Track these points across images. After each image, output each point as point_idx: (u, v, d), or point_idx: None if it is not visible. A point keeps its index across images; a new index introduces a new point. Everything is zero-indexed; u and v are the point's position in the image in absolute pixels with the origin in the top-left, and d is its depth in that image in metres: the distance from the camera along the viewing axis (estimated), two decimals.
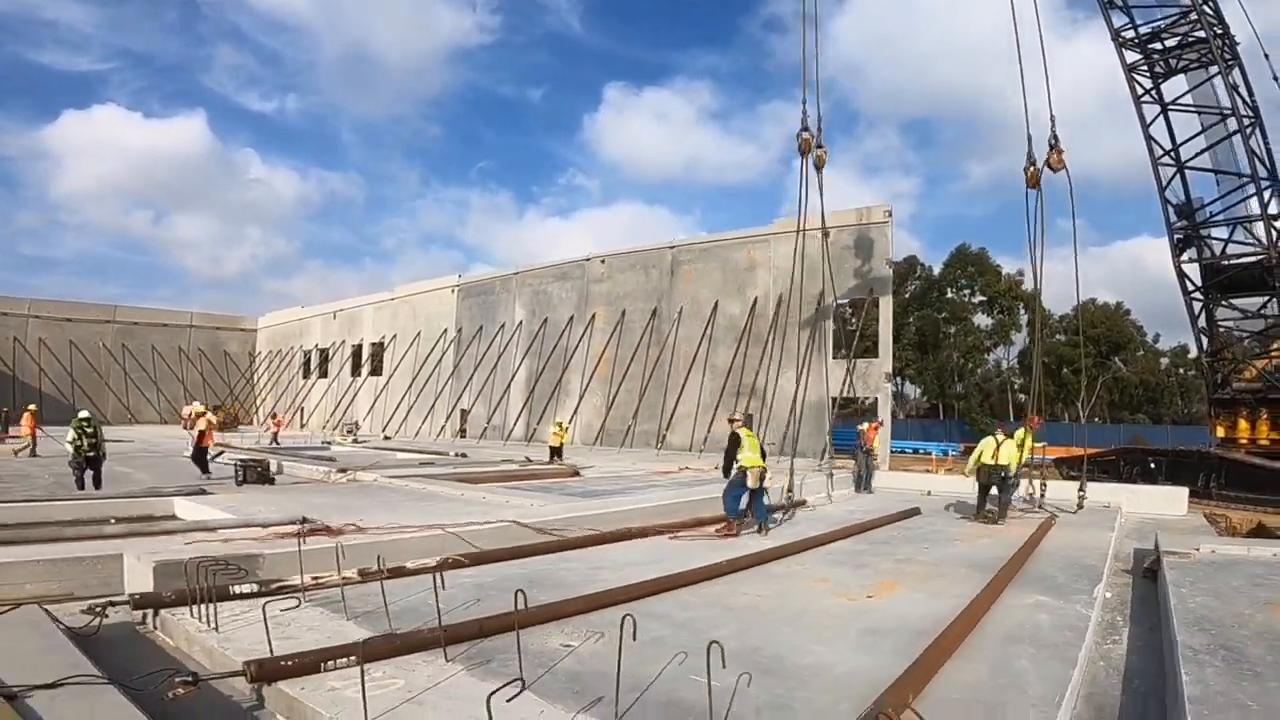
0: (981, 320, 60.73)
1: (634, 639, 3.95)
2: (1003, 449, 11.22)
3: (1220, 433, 22.12)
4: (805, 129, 13.31)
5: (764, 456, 10.20)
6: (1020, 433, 11.81)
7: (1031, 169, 14.30)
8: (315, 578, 6.28)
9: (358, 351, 48.92)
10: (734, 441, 10.03)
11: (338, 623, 5.27)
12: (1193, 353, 65.71)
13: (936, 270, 62.98)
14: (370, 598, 5.84)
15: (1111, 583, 7.91)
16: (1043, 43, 12.84)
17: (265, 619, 4.60)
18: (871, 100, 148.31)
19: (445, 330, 42.13)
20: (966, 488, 13.92)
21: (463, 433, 38.98)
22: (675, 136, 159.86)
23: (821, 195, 13.47)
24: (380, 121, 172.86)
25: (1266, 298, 21.23)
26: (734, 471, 9.91)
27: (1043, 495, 12.56)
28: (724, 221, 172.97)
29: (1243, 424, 22.16)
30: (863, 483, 16.34)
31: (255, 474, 14.44)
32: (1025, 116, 12.97)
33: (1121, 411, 58.40)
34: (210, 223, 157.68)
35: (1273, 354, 21.25)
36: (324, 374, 50.97)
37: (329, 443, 30.08)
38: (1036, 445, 13.14)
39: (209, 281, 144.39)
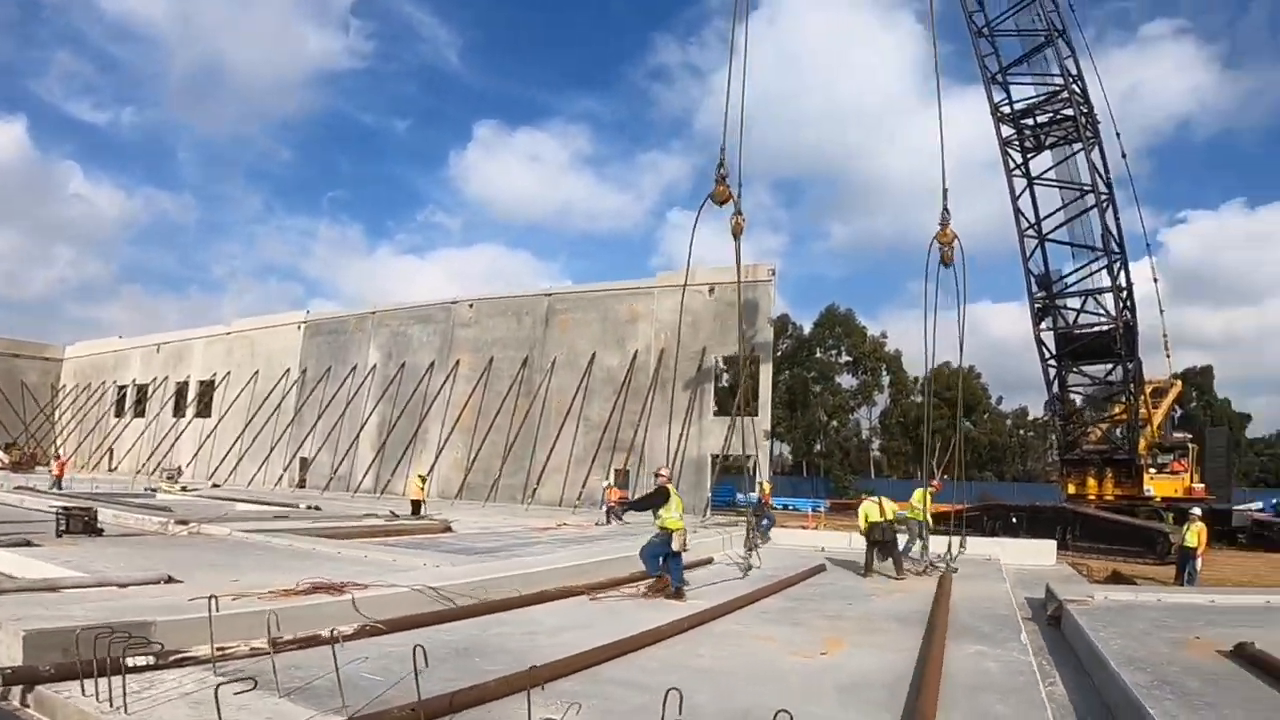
0: (847, 380, 64.87)
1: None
2: (885, 505, 11.93)
3: (1071, 489, 24.75)
4: (738, 212, 13.20)
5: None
6: (920, 493, 12.53)
7: (943, 248, 14.10)
8: (222, 648, 5.66)
9: (183, 389, 45.08)
10: (661, 496, 9.86)
11: (270, 701, 4.76)
12: (1031, 414, 74.49)
13: (807, 329, 66.28)
14: (292, 670, 5.34)
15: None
16: (941, 128, 13.41)
17: (217, 700, 4.09)
18: (747, 157, 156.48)
19: (288, 370, 39.76)
20: (853, 545, 14.75)
21: (302, 483, 36.64)
22: (547, 180, 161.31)
23: (739, 261, 13.38)
24: (223, 141, 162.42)
25: (1112, 365, 24.25)
26: (657, 532, 9.76)
27: (925, 551, 13.24)
28: (590, 270, 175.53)
29: (1090, 481, 24.99)
30: (759, 538, 16.78)
31: (80, 524, 12.91)
32: (944, 201, 13.38)
33: (971, 469, 63.66)
34: (13, 238, 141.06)
35: (1115, 417, 24.27)
36: (140, 413, 46.59)
37: (153, 489, 27.43)
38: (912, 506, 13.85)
39: (1, 303, 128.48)
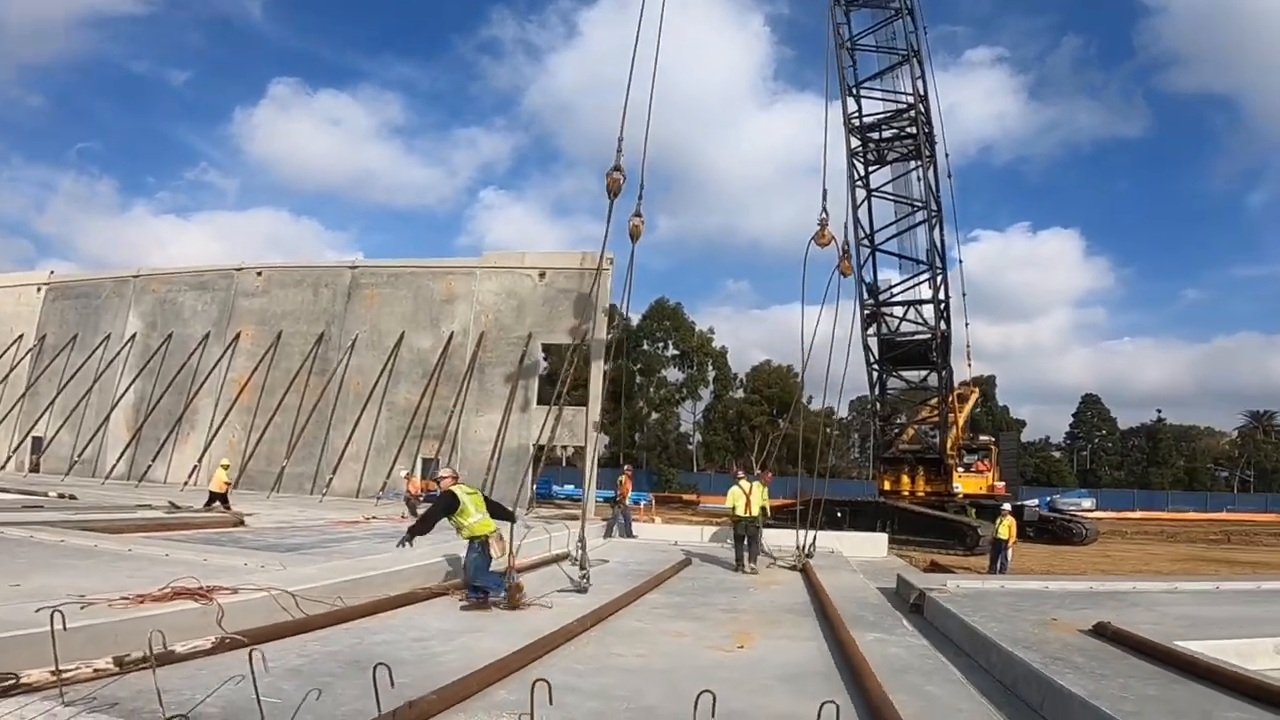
0: (673, 374, 67.10)
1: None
2: (753, 501, 12.40)
3: (886, 485, 27.26)
4: (638, 213, 12.61)
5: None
6: (756, 485, 13.03)
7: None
8: (61, 671, 4.79)
9: None
10: (448, 501, 8.62)
11: None
12: (839, 414, 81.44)
13: (635, 321, 67.08)
14: (146, 695, 4.59)
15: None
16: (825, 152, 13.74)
17: None
18: (576, 141, 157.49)
19: (22, 337, 34.78)
20: (700, 537, 15.32)
21: (36, 467, 32.22)
22: (347, 147, 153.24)
23: (632, 267, 12.59)
24: None
25: (927, 371, 27.00)
26: (469, 545, 8.63)
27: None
28: (385, 244, 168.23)
29: (904, 479, 27.69)
30: (621, 531, 17.12)
31: None
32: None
33: (787, 465, 68.11)
34: None
35: (927, 419, 27.07)
36: None
37: None
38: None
39: None
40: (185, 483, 28.32)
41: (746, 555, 12.49)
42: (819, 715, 3.85)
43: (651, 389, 65.54)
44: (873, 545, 16.09)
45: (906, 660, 6.44)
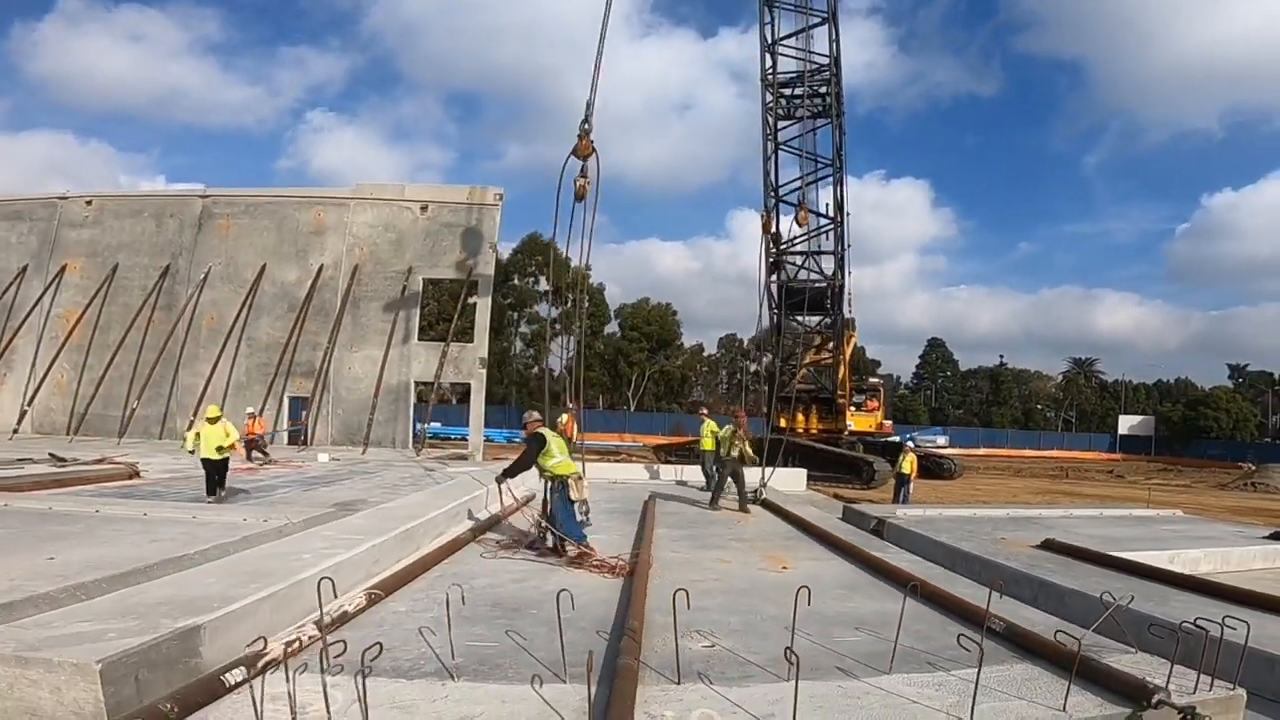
0: (547, 310, 67.36)
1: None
2: (734, 444, 13.40)
3: (782, 423, 29.86)
4: (583, 174, 12.63)
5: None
6: (729, 428, 14.50)
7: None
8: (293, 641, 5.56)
9: None
10: (537, 443, 9.26)
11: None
12: (707, 351, 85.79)
13: (506, 256, 66.91)
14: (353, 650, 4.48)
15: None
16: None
17: None
18: (419, 64, 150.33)
19: None
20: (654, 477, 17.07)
21: None
22: (150, 63, 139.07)
23: (586, 232, 12.55)
24: None
25: (821, 316, 29.69)
26: (552, 484, 9.24)
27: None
28: (189, 167, 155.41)
29: (800, 417, 30.52)
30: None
31: None
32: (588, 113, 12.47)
33: (661, 402, 71.59)
34: None
35: (821, 361, 29.88)
36: None
37: None
38: None
39: None
40: (15, 429, 26.79)
41: (725, 495, 13.81)
42: (904, 603, 5.47)
43: (523, 324, 66.27)
44: (794, 479, 18.26)
45: (914, 569, 8.22)
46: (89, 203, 30.40)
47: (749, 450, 13.63)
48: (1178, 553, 9.75)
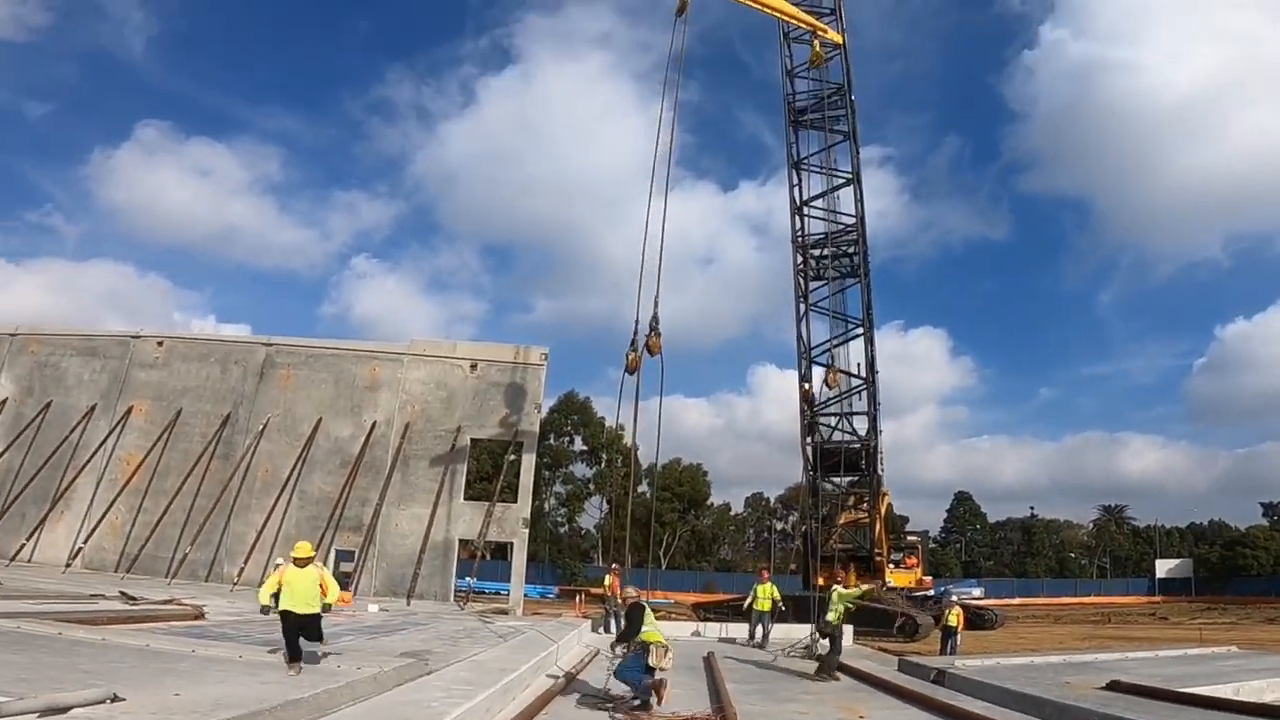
0: (581, 470, 69.58)
1: None
2: (836, 606, 13.99)
3: (821, 581, 30.00)
4: (646, 347, 13.76)
5: None
6: (837, 589, 15.03)
7: (633, 355, 16.12)
8: None
9: None
10: (638, 612, 10.29)
11: None
12: (734, 510, 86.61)
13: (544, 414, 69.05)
14: None
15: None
16: (663, 234, 14.91)
17: None
18: (457, 214, 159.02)
19: None
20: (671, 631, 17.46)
21: None
22: (214, 199, 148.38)
23: (637, 400, 13.74)
24: None
25: (855, 476, 30.39)
26: (634, 646, 10.07)
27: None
28: (239, 307, 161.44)
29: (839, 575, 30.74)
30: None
31: None
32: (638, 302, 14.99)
33: (688, 560, 71.39)
34: None
35: (859, 521, 30.45)
36: None
37: None
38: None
39: None
40: (68, 564, 27.26)
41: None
42: None
43: (558, 483, 67.14)
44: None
45: (988, 714, 8.58)
46: (160, 344, 32.07)
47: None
48: (1241, 684, 10.05)
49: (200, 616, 16.80)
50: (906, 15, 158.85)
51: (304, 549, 10.27)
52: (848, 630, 19.20)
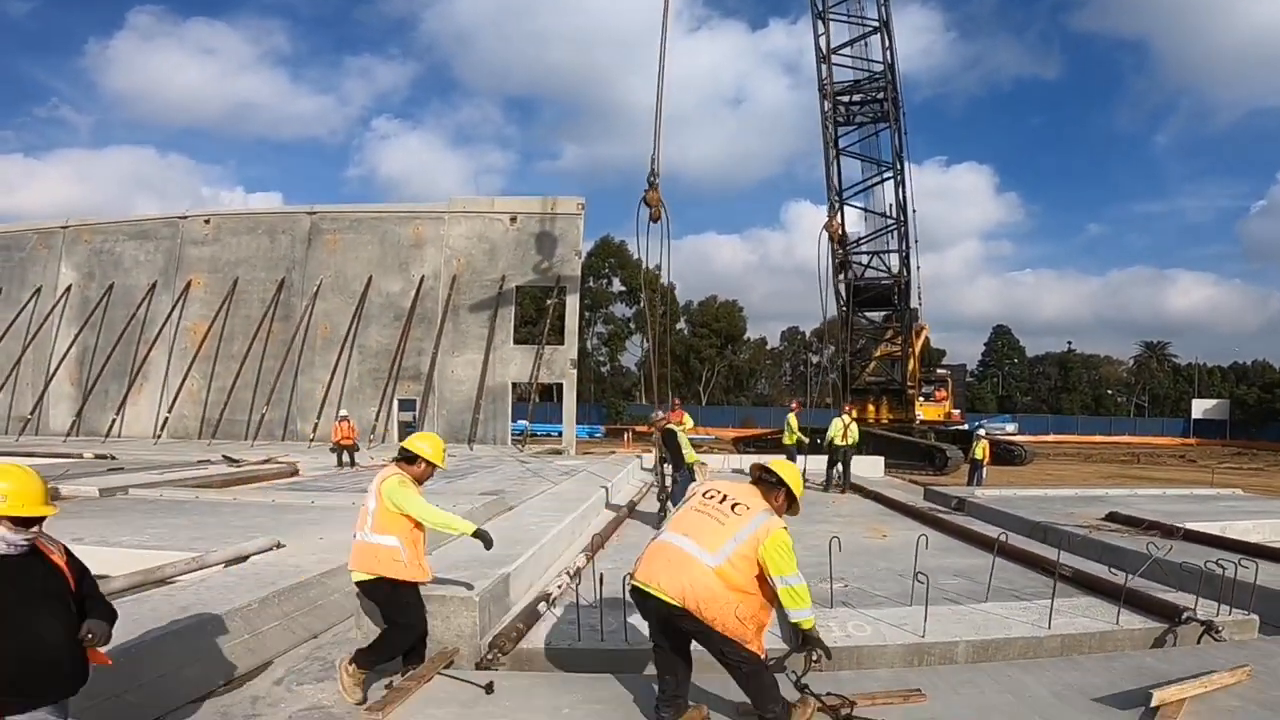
0: (621, 310, 71.16)
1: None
2: (850, 430, 15.93)
3: (855, 414, 31.86)
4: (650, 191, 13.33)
5: None
6: (842, 419, 16.62)
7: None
8: None
9: None
10: (674, 437, 11.73)
11: None
12: (770, 344, 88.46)
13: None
14: None
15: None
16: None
17: None
18: (475, 71, 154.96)
19: None
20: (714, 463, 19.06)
21: None
22: (223, 77, 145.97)
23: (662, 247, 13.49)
24: None
25: (888, 311, 31.44)
26: (684, 471, 11.58)
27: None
28: (266, 177, 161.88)
29: (870, 408, 32.33)
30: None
31: None
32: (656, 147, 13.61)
33: (731, 394, 74.32)
34: None
35: (891, 354, 31.71)
36: None
37: None
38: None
39: None
40: (157, 436, 29.66)
41: (837, 476, 16.30)
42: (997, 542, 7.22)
43: (599, 324, 69.24)
44: (872, 466, 20.13)
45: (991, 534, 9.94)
46: (207, 221, 33.29)
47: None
48: (1229, 524, 11.21)
49: (296, 473, 18.64)
50: None
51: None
52: (880, 461, 21.00)
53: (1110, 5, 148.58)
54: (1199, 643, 6.01)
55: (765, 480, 4.45)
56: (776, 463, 4.53)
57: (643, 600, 4.24)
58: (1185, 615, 6.14)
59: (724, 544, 4.11)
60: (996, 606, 6.67)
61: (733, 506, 4.26)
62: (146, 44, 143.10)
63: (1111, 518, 11.20)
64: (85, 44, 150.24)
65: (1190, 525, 10.19)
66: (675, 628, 4.19)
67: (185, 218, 33.51)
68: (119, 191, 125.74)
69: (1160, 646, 6.06)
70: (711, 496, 4.37)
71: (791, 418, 19.25)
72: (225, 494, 13.51)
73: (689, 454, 11.76)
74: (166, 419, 30.23)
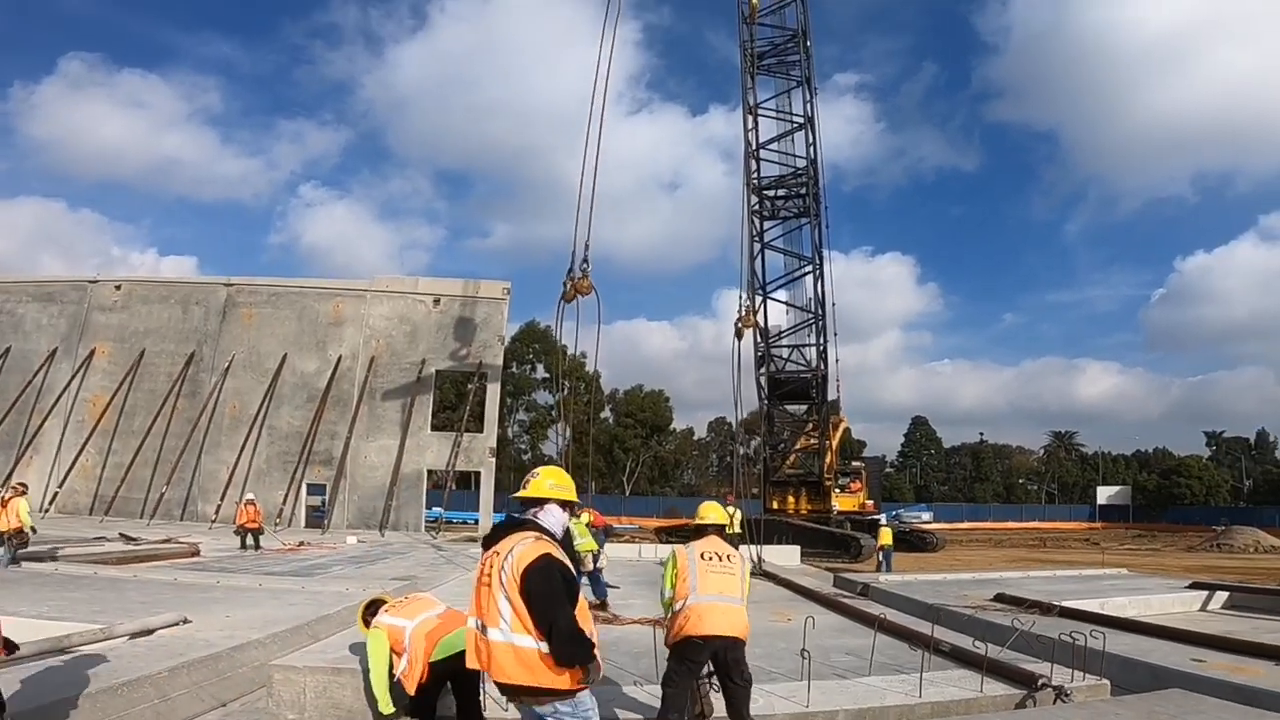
0: (544, 397, 72.01)
1: None
2: (735, 518, 16.53)
3: (774, 505, 32.69)
4: (581, 278, 13.54)
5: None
6: (732, 509, 17.31)
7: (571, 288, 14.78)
8: None
9: None
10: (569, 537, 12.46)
11: None
12: (697, 435, 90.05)
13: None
14: None
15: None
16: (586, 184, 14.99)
17: None
18: (408, 141, 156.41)
19: None
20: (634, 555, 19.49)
21: None
22: (150, 133, 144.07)
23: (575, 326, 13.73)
24: None
25: (808, 405, 32.78)
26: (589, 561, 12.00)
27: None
28: (180, 239, 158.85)
29: (790, 499, 33.32)
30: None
31: None
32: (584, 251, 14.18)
33: (651, 485, 74.63)
34: None
35: (809, 447, 32.95)
36: None
37: None
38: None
39: None
40: (45, 510, 28.57)
41: None
42: (877, 620, 7.95)
43: (521, 411, 69.34)
44: (787, 556, 20.82)
45: (893, 619, 10.69)
46: (118, 287, 32.97)
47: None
48: (1108, 600, 12.21)
49: (197, 553, 18.50)
50: None
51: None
52: (795, 550, 21.78)
53: (1024, 95, 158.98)
54: (1054, 704, 6.76)
55: (719, 528, 6.15)
56: (707, 510, 6.28)
57: (704, 645, 5.47)
58: (1040, 682, 6.91)
59: (742, 586, 5.70)
60: (877, 679, 7.33)
61: (728, 557, 5.78)
62: (74, 92, 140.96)
63: (998, 598, 12.10)
64: (9, 87, 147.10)
65: (1068, 603, 11.10)
66: (721, 659, 5.54)
67: (95, 281, 33.19)
68: (23, 246, 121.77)
69: (1022, 709, 6.80)
70: (711, 558, 5.73)
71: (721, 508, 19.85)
72: (124, 570, 13.45)
73: (582, 544, 12.07)
74: (56, 494, 29.36)
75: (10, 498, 14.19)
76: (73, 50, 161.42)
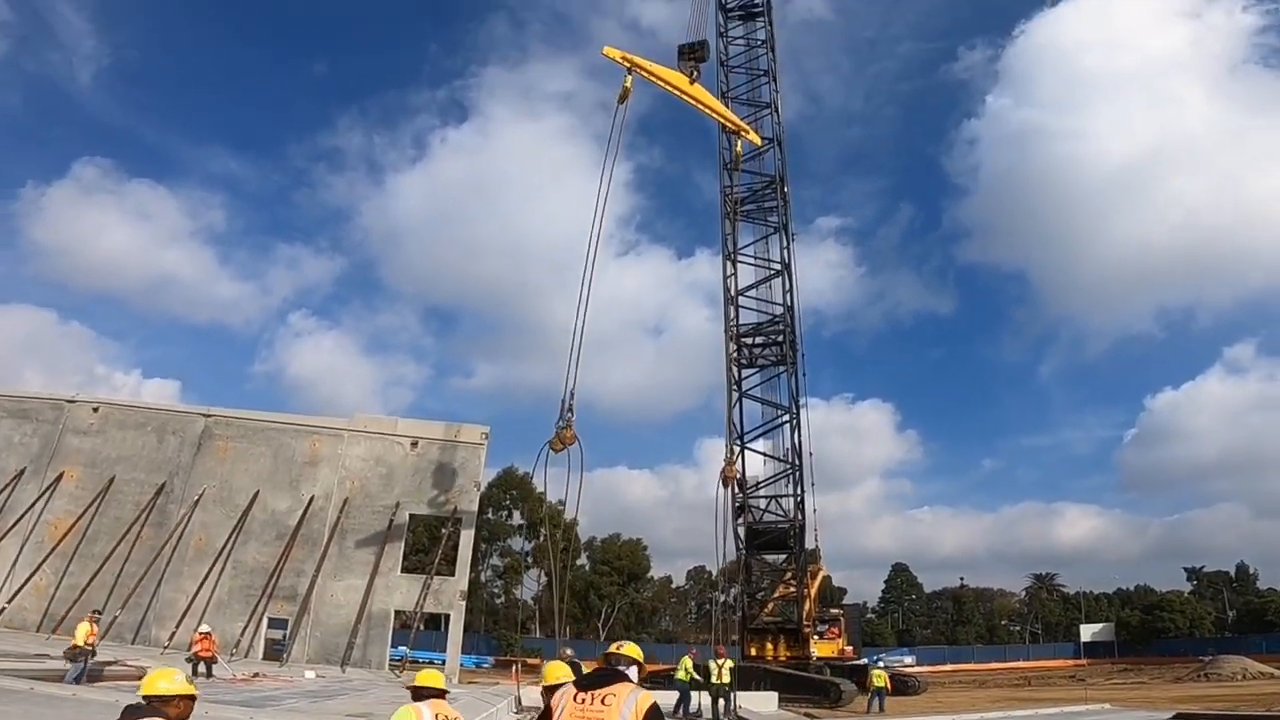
0: (520, 543, 71.00)
1: None
2: (723, 669, 17.06)
3: (753, 651, 31.79)
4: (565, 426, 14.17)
5: None
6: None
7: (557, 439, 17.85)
8: None
9: None
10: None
11: None
12: (676, 582, 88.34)
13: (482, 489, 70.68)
14: None
15: None
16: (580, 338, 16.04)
17: None
18: (401, 274, 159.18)
19: None
20: None
21: None
22: (151, 246, 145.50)
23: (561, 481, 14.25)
24: None
25: (786, 554, 32.40)
26: None
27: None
28: (164, 359, 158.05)
29: (768, 645, 32.48)
30: None
31: None
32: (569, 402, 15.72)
33: (628, 631, 72.63)
34: None
35: (788, 595, 32.50)
36: None
37: None
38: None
39: None
40: None
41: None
42: None
43: (495, 555, 68.58)
44: (765, 702, 20.25)
45: None
46: (96, 409, 32.61)
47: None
48: None
49: (142, 675, 17.60)
50: (865, 80, 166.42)
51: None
52: (773, 696, 21.14)
53: (992, 234, 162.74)
54: None
55: (617, 666, 5.11)
56: (619, 648, 5.35)
57: None
58: None
59: None
60: None
61: (603, 700, 4.81)
62: (84, 197, 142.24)
63: None
64: (21, 187, 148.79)
65: None
66: None
67: (74, 401, 32.89)
68: (7, 355, 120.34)
69: None
70: (582, 700, 4.88)
71: (687, 659, 20.34)
72: (64, 689, 12.80)
73: None
74: (3, 609, 28.11)
75: None
76: (87, 155, 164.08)
